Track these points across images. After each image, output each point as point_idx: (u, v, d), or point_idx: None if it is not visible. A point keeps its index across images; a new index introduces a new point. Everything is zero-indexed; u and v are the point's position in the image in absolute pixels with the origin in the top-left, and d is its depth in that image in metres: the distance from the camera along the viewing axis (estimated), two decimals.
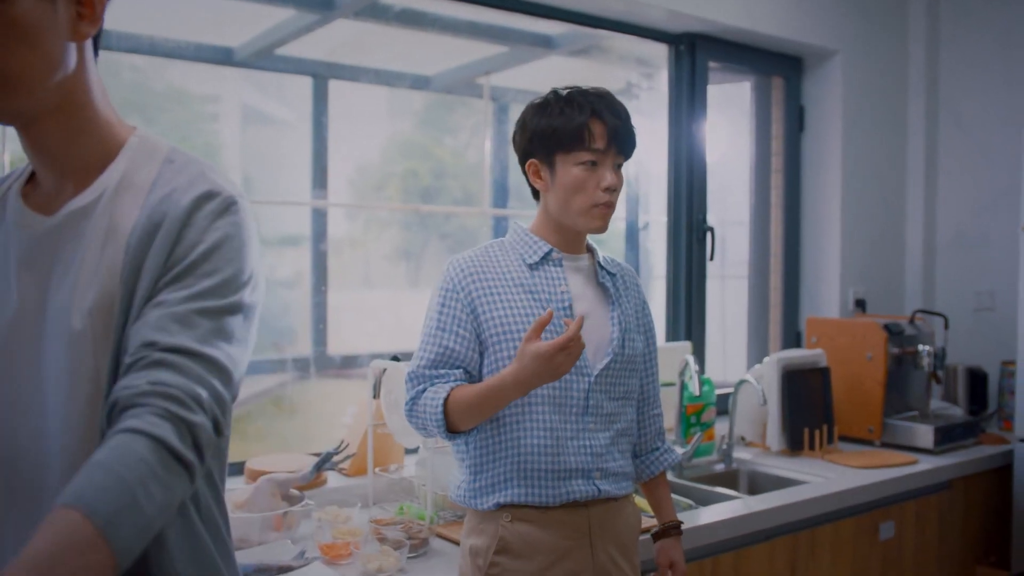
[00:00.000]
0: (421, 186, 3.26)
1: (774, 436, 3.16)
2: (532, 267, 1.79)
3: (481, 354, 1.76)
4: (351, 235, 3.08)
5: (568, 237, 1.82)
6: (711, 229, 3.47)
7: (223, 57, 2.75)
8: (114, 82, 2.57)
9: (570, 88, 1.78)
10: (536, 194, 1.85)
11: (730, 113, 3.84)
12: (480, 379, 1.76)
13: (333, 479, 2.48)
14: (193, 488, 0.99)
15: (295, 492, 2.17)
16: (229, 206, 1.10)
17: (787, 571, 2.56)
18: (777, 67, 3.77)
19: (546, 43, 3.35)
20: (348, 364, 2.87)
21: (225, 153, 2.86)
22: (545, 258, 1.80)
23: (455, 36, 3.09)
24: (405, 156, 3.27)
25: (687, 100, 3.44)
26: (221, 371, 1.02)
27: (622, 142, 1.76)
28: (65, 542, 0.84)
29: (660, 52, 3.48)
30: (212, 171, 1.13)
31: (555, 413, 1.74)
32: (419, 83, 3.15)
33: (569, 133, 1.72)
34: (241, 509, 2.08)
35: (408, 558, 1.96)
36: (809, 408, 3.20)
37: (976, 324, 3.89)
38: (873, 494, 2.81)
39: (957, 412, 3.57)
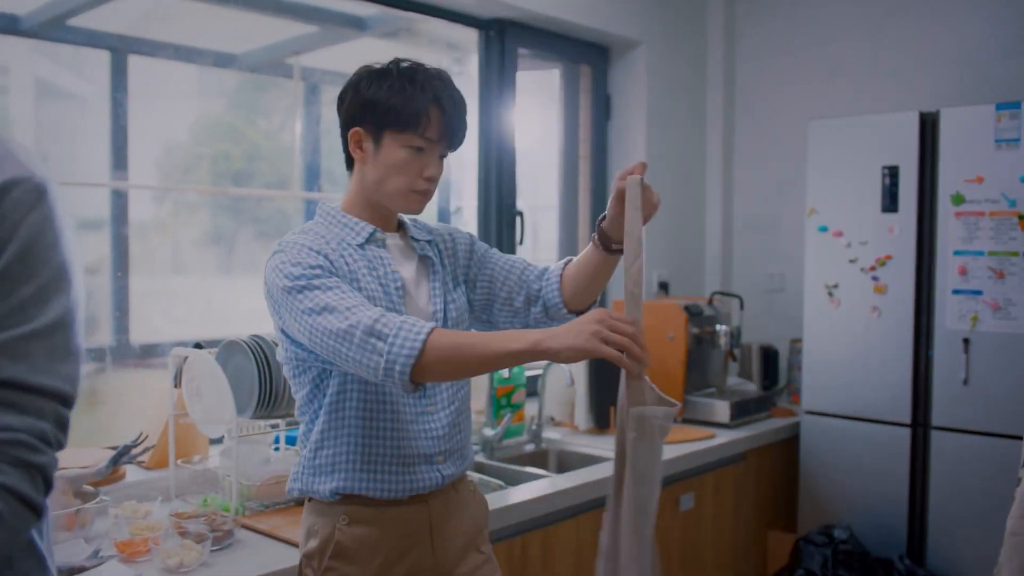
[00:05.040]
0: (233, 169, 3.16)
1: (581, 415, 3.27)
2: (361, 247, 1.71)
3: None
4: (158, 219, 2.95)
5: (383, 214, 1.77)
6: (520, 213, 3.54)
7: (8, 25, 2.56)
8: None
9: (413, 64, 1.69)
10: (350, 164, 1.77)
11: (540, 99, 3.92)
12: None
13: (132, 473, 2.38)
14: (37, 522, 1.01)
15: (89, 488, 2.07)
16: (40, 195, 1.00)
17: (593, 545, 2.64)
18: (585, 56, 3.88)
19: (357, 24, 3.31)
20: (148, 353, 2.76)
21: (15, 129, 2.68)
22: (370, 238, 1.73)
23: (261, 13, 3.00)
24: (216, 137, 3.16)
25: (496, 86, 3.48)
26: (59, 396, 1.00)
27: (454, 136, 1.70)
28: None
29: (470, 37, 3.51)
30: (20, 150, 1.03)
31: (398, 396, 1.69)
32: (223, 61, 3.04)
33: (406, 114, 1.63)
34: None
35: (212, 551, 1.91)
36: (615, 387, 3.30)
37: (768, 304, 4.15)
38: (674, 468, 2.95)
39: (751, 387, 3.80)
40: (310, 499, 1.76)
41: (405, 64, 1.69)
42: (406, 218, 1.85)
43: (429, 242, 1.84)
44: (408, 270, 1.77)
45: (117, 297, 2.72)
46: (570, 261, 1.86)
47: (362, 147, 1.70)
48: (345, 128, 1.73)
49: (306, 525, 1.75)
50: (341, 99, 1.74)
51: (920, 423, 3.27)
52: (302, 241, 1.66)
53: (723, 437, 3.23)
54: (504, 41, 3.47)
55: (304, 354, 1.68)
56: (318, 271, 1.60)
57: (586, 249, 1.81)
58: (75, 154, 2.77)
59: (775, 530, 3.58)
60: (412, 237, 1.81)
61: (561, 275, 1.84)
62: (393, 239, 1.79)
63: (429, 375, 1.50)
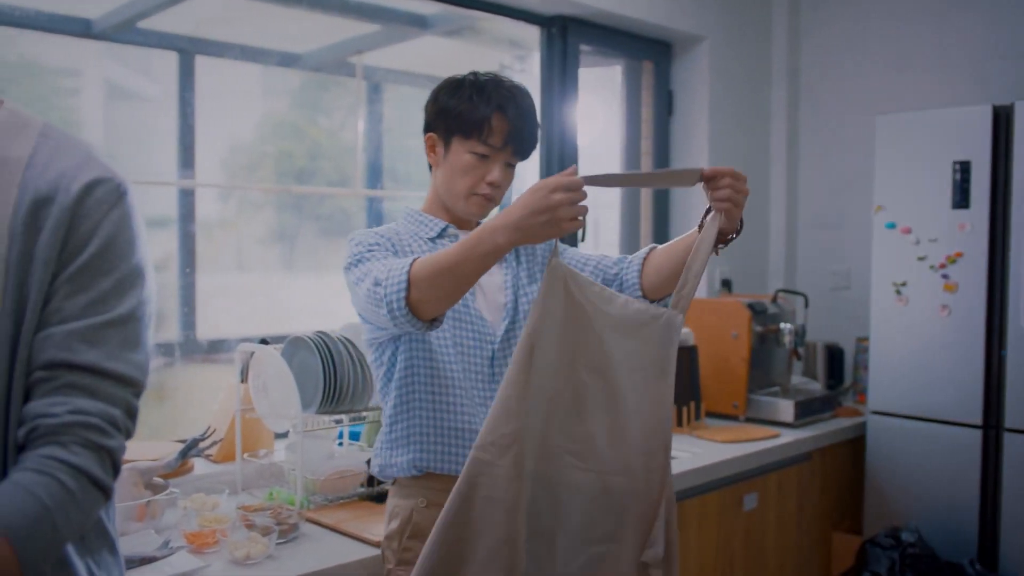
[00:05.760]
0: (296, 167, 3.20)
1: None
2: (432, 240, 1.81)
3: None
4: (223, 217, 3.00)
5: (458, 216, 1.85)
6: None
7: (80, 29, 2.62)
8: None
9: (488, 76, 1.78)
10: (431, 168, 1.87)
11: (601, 96, 3.89)
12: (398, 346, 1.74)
13: (200, 466, 2.43)
14: (108, 503, 1.06)
15: (159, 481, 2.11)
16: (121, 196, 1.07)
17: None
18: (647, 52, 3.85)
19: (420, 23, 3.32)
20: (215, 349, 2.81)
21: (86, 130, 2.74)
22: (442, 233, 1.82)
23: (325, 13, 3.03)
24: (279, 136, 3.20)
25: (559, 83, 3.47)
26: (131, 384, 1.05)
27: (519, 143, 1.76)
28: None
29: (532, 34, 3.50)
30: (98, 153, 1.09)
31: (464, 378, 1.74)
32: (288, 60, 3.08)
33: (471, 121, 1.72)
34: None
35: (277, 544, 1.94)
36: (677, 385, 3.26)
37: (833, 302, 4.07)
38: (738, 467, 2.92)
39: (816, 387, 3.74)
40: (394, 481, 1.81)
41: (483, 76, 1.78)
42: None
43: None
44: None
45: (184, 293, 2.77)
46: (654, 248, 1.86)
47: (435, 151, 1.82)
48: (424, 134, 1.84)
49: (389, 508, 1.81)
50: (426, 108, 1.84)
51: (992, 425, 3.18)
52: (374, 229, 1.78)
53: (787, 437, 3.19)
54: (566, 38, 3.46)
55: (377, 332, 1.76)
56: (375, 248, 1.70)
57: (687, 234, 1.77)
58: (143, 154, 2.83)
59: (840, 532, 3.51)
60: None
61: (644, 259, 1.84)
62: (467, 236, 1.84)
63: (429, 305, 1.53)
